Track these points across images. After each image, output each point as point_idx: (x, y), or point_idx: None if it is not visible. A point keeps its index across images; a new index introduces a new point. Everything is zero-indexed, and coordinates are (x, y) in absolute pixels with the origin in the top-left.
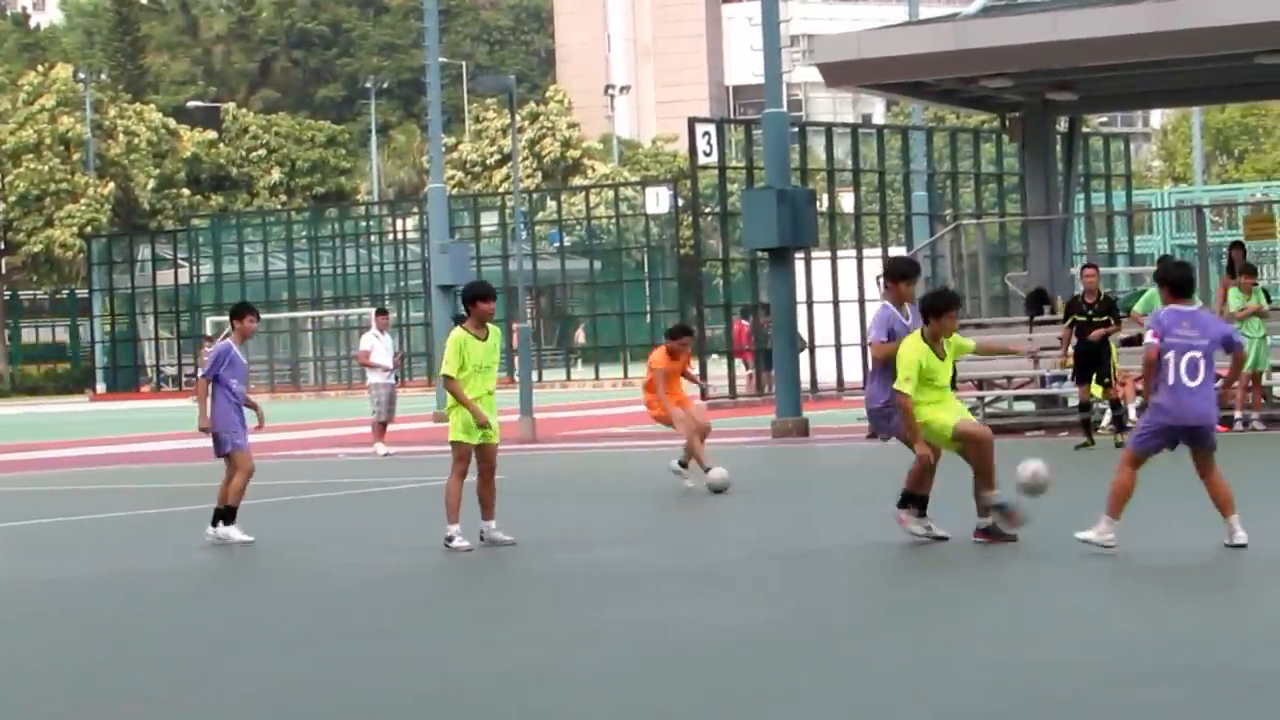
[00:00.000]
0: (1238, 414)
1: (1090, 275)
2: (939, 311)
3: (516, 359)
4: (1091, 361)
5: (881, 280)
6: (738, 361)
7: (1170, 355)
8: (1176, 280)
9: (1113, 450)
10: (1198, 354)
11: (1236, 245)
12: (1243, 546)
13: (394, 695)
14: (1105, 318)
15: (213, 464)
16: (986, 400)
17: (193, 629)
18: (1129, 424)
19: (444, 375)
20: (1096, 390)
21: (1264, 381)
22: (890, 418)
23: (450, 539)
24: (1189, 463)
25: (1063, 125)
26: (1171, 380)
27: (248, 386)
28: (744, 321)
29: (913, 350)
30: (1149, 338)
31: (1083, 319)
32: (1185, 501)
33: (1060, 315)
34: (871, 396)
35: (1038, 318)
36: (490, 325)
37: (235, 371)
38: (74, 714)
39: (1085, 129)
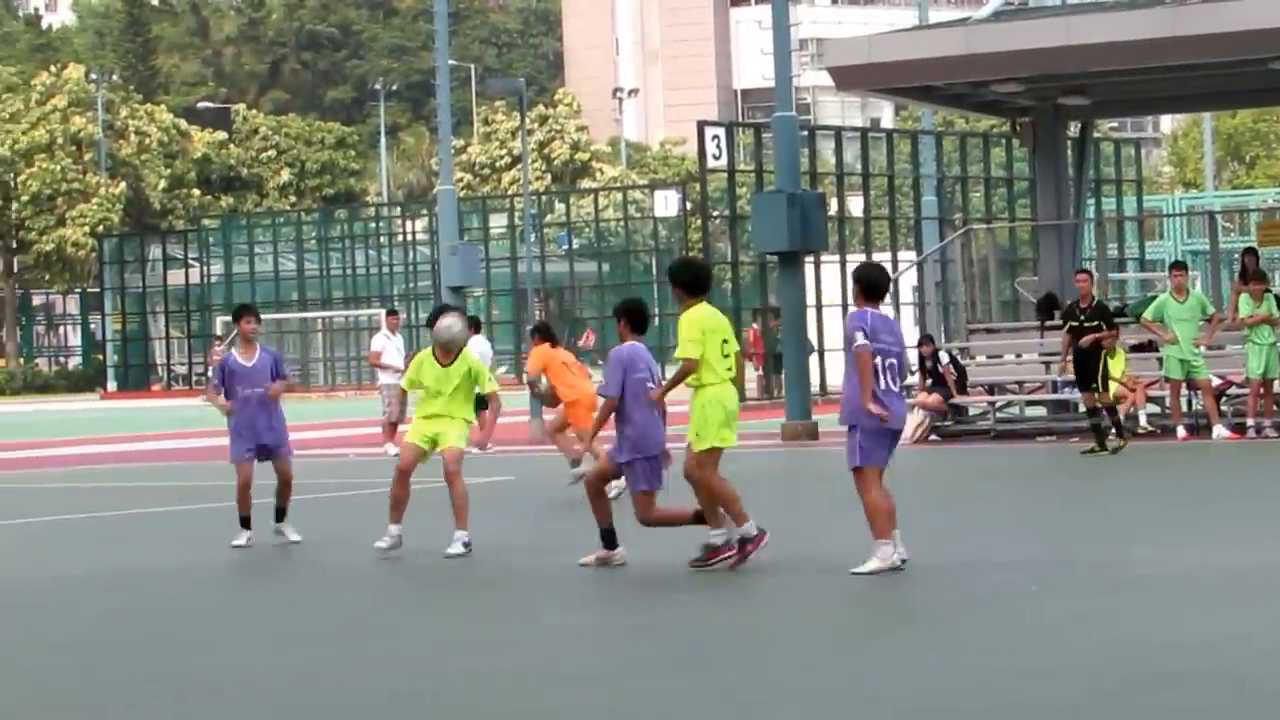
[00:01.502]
0: (1250, 421)
1: (1083, 281)
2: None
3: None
4: (1087, 367)
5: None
6: (747, 365)
7: (878, 360)
8: (868, 284)
9: (1113, 457)
10: (894, 360)
11: (1249, 251)
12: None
13: (372, 695)
14: (1097, 322)
15: (220, 464)
16: (998, 405)
17: (193, 627)
18: (1143, 428)
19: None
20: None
21: (1276, 389)
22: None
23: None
24: (1182, 472)
25: (1074, 130)
26: (884, 386)
27: (283, 378)
28: (753, 326)
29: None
30: (860, 340)
31: (1077, 324)
32: (1178, 512)
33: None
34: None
35: (1048, 322)
36: (462, 355)
37: (239, 379)
38: (69, 711)
39: (1096, 134)
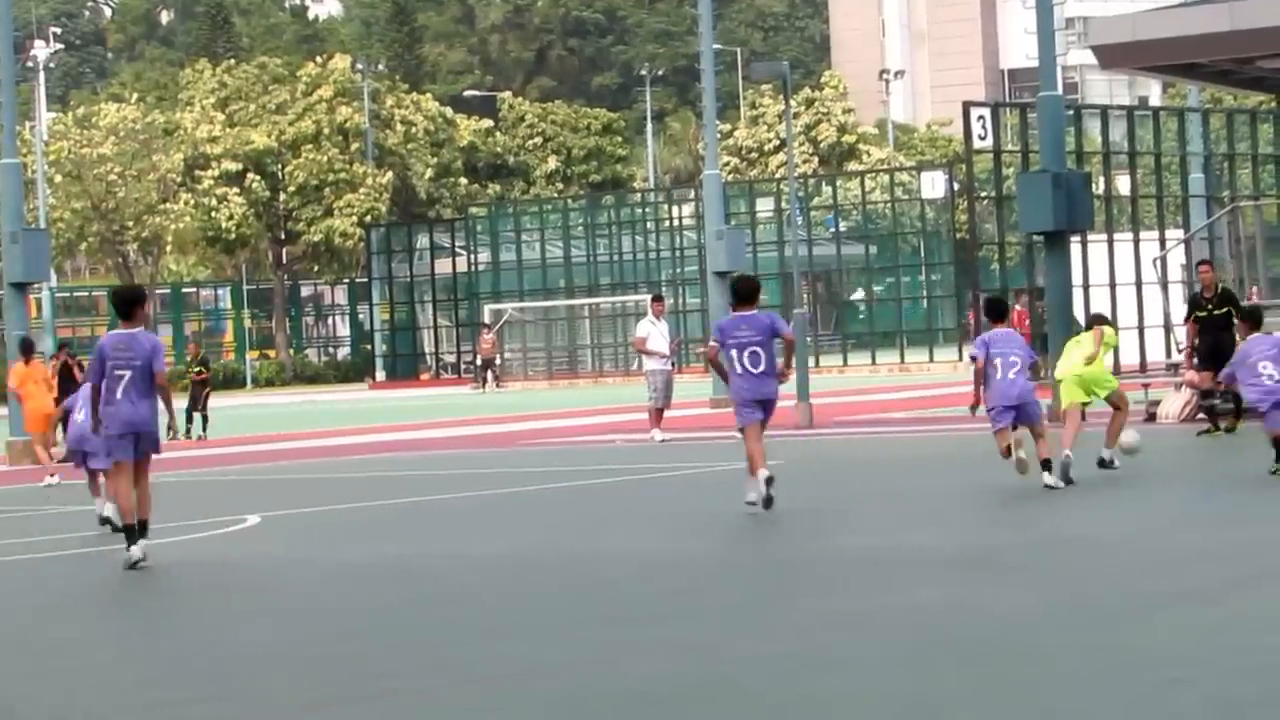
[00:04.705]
0: None
1: (1205, 271)
2: None
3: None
4: (1217, 354)
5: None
6: None
7: (734, 351)
8: (742, 292)
9: (1230, 438)
10: (755, 346)
11: None
12: None
13: (661, 681)
14: (1225, 309)
15: (496, 451)
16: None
17: (460, 616)
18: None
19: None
20: None
21: None
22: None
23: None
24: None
25: None
26: (739, 369)
27: (162, 379)
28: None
29: None
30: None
31: (1204, 314)
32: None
33: None
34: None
35: None
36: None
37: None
38: (330, 702)
39: None
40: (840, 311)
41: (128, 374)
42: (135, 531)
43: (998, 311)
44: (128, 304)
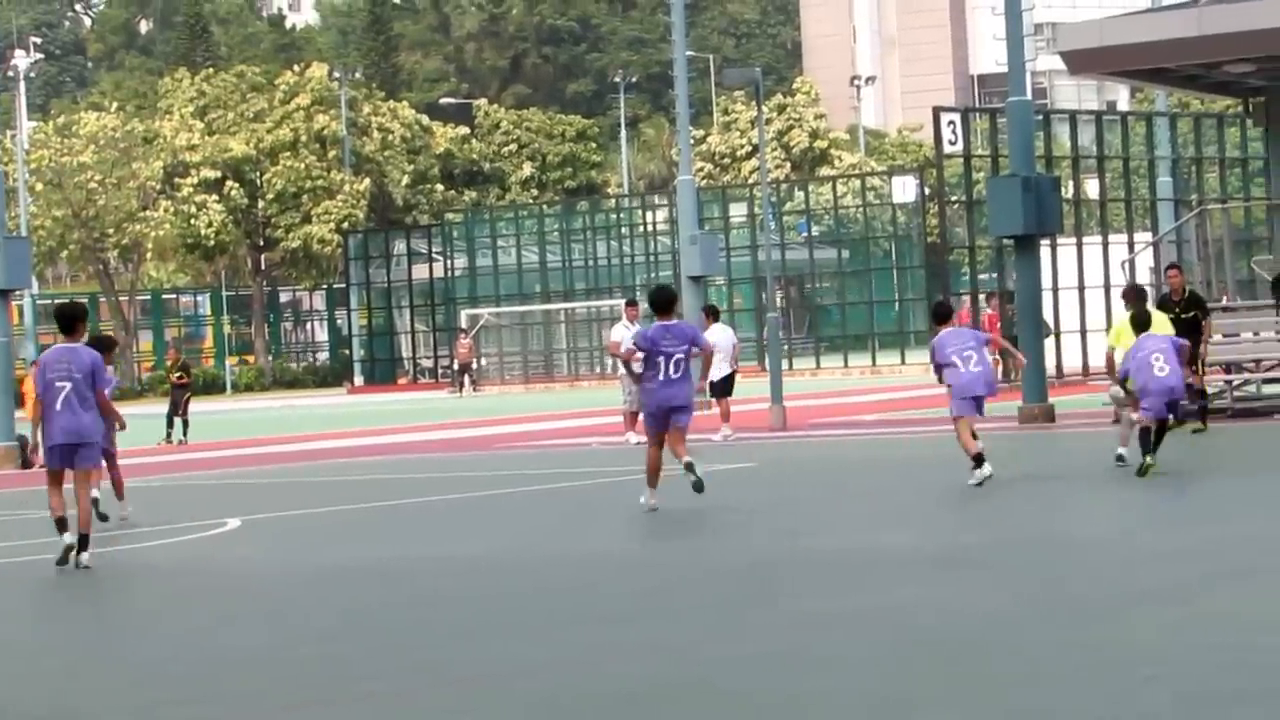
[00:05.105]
0: None
1: (1174, 276)
2: None
3: (766, 348)
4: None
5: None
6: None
7: (660, 360)
8: (660, 302)
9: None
10: (680, 355)
11: None
12: None
13: (639, 681)
14: (1193, 313)
15: (473, 455)
16: (1235, 384)
17: (439, 618)
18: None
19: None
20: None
21: None
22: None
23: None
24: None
25: None
26: (661, 376)
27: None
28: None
29: None
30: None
31: (1171, 317)
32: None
33: None
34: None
35: None
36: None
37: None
38: (311, 703)
39: None
40: (813, 315)
41: (67, 385)
42: (65, 524)
43: (942, 314)
44: (69, 319)
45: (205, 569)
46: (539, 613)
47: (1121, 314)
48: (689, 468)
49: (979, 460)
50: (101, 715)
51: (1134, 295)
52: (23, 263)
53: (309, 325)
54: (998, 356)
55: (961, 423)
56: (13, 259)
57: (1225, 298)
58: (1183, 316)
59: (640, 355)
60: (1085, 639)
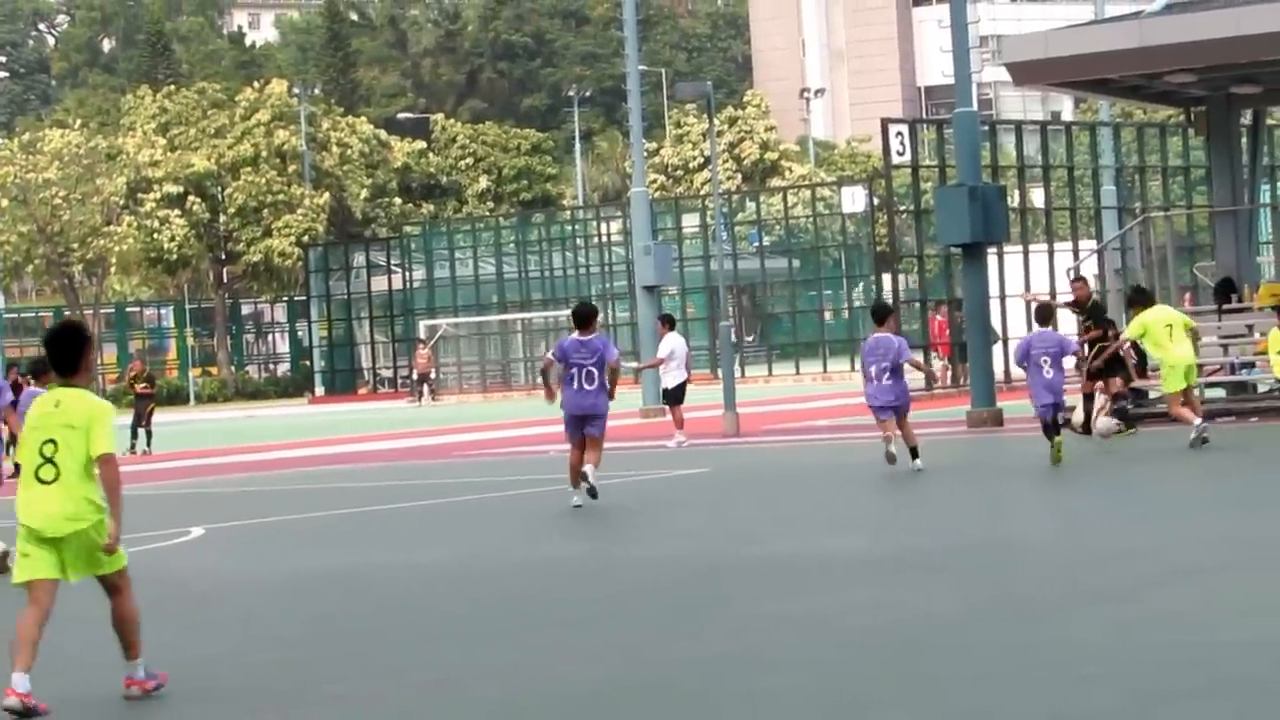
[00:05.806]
0: None
1: (1080, 287)
2: None
3: (719, 356)
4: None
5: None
6: (933, 354)
7: (574, 371)
8: (580, 317)
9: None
10: (591, 368)
11: None
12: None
13: (600, 683)
14: (1089, 321)
15: (432, 463)
16: None
17: (401, 623)
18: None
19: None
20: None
21: None
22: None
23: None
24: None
25: (1247, 118)
26: (574, 386)
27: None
28: (939, 316)
29: None
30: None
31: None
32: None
33: (1250, 303)
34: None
35: (1225, 306)
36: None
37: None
38: (275, 708)
39: (1270, 121)
40: (765, 323)
41: None
42: None
43: (878, 315)
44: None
45: (169, 578)
46: (499, 618)
47: (1144, 317)
48: (583, 475)
49: (914, 453)
50: None
51: (1140, 296)
52: None
53: (270, 337)
54: (946, 361)
55: (884, 425)
56: None
57: (1188, 303)
58: (1085, 326)
59: (559, 366)
60: (1034, 639)
